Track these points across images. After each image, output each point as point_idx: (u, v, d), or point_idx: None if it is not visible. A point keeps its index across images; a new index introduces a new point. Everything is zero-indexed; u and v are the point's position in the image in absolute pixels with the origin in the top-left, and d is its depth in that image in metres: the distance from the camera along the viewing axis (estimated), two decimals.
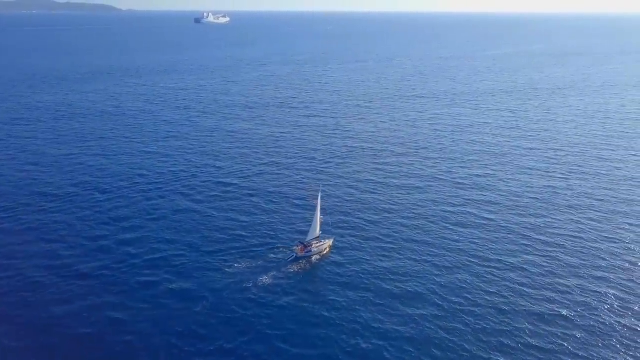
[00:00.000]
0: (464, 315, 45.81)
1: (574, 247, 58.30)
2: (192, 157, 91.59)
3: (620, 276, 52.22)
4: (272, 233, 60.96)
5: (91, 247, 57.96)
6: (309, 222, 58.88)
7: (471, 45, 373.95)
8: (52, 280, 51.22)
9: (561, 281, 51.32)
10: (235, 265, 53.49)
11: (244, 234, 60.90)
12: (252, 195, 73.25)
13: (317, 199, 55.83)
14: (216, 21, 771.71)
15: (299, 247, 54.77)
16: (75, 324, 44.85)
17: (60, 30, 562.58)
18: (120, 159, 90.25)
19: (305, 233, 57.12)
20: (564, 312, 46.33)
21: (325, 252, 55.80)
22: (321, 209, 56.48)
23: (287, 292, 49.05)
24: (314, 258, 54.59)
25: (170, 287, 49.98)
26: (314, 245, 55.02)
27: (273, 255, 55.24)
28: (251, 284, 49.71)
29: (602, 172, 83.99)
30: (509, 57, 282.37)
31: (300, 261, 53.93)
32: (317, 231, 55.69)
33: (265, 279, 50.45)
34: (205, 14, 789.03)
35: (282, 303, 47.34)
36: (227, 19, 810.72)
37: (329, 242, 56.75)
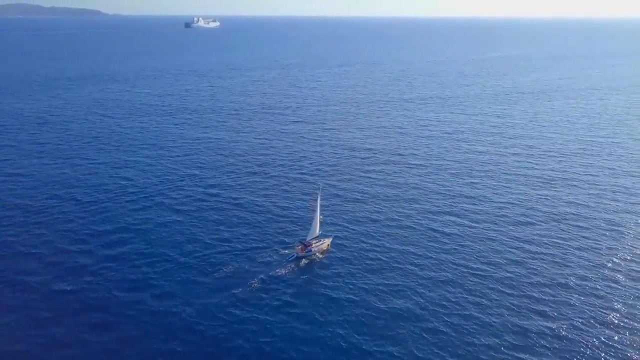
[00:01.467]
0: (467, 304, 45.73)
1: (561, 253, 58.56)
2: (179, 164, 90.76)
3: (606, 282, 52.50)
4: (268, 235, 61.14)
5: (71, 260, 56.15)
6: (298, 224, 58.55)
7: (461, 49, 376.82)
8: (36, 284, 50.05)
9: (549, 291, 51.40)
10: (237, 265, 53.93)
11: (241, 236, 60.86)
12: (238, 204, 72.66)
13: (316, 199, 57.06)
14: (206, 26, 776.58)
15: (300, 247, 55.84)
16: (59, 328, 43.85)
17: (44, 35, 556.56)
18: (103, 167, 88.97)
19: (298, 235, 57.02)
20: (550, 324, 46.37)
21: (324, 250, 56.93)
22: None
23: (288, 288, 49.92)
24: (314, 256, 55.67)
25: (168, 291, 49.42)
26: (313, 245, 56.12)
27: (274, 256, 55.73)
28: (256, 283, 50.38)
29: (587, 177, 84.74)
30: (497, 60, 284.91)
31: (301, 260, 54.87)
32: (317, 231, 56.87)
33: (268, 277, 51.38)
34: (195, 19, 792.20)
35: (288, 299, 48.24)
36: (218, 23, 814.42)
37: (327, 241, 57.96)
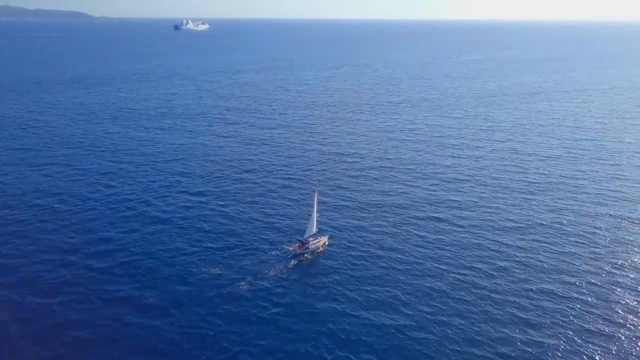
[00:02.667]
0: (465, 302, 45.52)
1: (548, 254, 58.75)
2: (165, 169, 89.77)
3: (592, 280, 52.72)
4: (263, 235, 62.37)
5: (56, 262, 55.78)
6: (294, 223, 60.34)
7: (448, 51, 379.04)
8: (12, 299, 49.10)
9: (535, 296, 51.47)
10: (239, 263, 54.86)
11: (240, 236, 61.93)
12: (225, 206, 72.04)
13: (313, 198, 58.54)
14: (195, 28, 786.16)
15: (297, 244, 57.22)
16: (36, 346, 42.96)
17: (29, 38, 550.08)
18: (87, 173, 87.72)
19: (292, 233, 58.19)
20: (535, 319, 46.42)
21: (321, 248, 58.41)
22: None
23: (289, 284, 51.37)
24: (311, 254, 57.06)
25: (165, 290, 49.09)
26: (310, 242, 57.56)
27: (273, 253, 57.09)
28: (258, 278, 51.89)
29: (571, 180, 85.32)
30: (483, 62, 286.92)
31: (299, 257, 56.25)
32: (314, 229, 58.28)
33: (270, 274, 52.94)
34: (184, 21, 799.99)
35: (286, 297, 49.40)
36: (207, 26, 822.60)
37: (324, 239, 59.46)
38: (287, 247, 57.56)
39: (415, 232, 63.79)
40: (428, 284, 51.77)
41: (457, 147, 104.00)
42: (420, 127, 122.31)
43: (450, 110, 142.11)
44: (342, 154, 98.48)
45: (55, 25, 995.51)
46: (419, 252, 58.58)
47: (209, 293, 49.84)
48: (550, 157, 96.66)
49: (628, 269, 55.23)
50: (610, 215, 69.36)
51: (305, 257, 56.48)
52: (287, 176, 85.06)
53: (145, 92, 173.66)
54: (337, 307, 48.01)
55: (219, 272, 53.39)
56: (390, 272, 54.16)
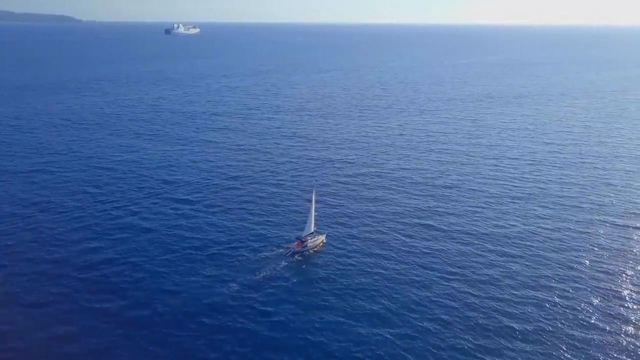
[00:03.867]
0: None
1: (532, 257, 59.15)
2: (156, 172, 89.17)
3: (577, 286, 53.10)
4: (261, 234, 63.78)
5: (42, 271, 54.85)
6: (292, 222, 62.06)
7: (437, 55, 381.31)
8: None
9: (518, 293, 51.75)
10: (238, 263, 56.13)
11: (239, 236, 63.27)
12: (214, 213, 71.73)
13: (311, 197, 60.05)
14: (186, 32, 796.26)
15: (296, 243, 58.73)
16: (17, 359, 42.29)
17: (16, 42, 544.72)
18: (73, 175, 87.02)
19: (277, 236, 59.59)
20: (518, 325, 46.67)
21: (319, 246, 60.00)
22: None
23: (289, 281, 52.79)
24: (309, 252, 58.59)
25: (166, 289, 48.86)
26: (309, 241, 59.15)
27: (272, 252, 58.49)
28: (260, 276, 53.35)
29: (557, 181, 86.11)
30: (472, 66, 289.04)
31: (297, 255, 57.71)
32: (312, 227, 59.75)
33: (271, 271, 54.39)
34: (175, 25, 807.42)
35: (284, 295, 50.62)
36: (197, 30, 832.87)
37: (322, 237, 61.20)
38: (287, 246, 59.22)
39: (402, 237, 63.90)
40: (415, 291, 51.82)
41: (445, 151, 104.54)
42: (409, 131, 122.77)
43: (438, 114, 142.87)
44: (332, 160, 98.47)
45: (42, 30, 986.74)
46: (408, 258, 58.69)
47: (203, 300, 49.50)
48: (535, 161, 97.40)
49: (614, 274, 55.55)
50: (599, 221, 69.83)
51: (304, 255, 57.90)
52: (277, 182, 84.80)
53: (132, 96, 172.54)
54: (329, 315, 47.97)
55: (214, 273, 54.04)
56: (379, 277, 54.17)
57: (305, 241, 58.80)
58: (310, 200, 60.53)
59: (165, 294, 50.57)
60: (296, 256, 57.53)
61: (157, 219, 68.80)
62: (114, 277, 54.03)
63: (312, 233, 59.92)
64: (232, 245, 60.49)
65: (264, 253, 58.19)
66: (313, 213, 59.61)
